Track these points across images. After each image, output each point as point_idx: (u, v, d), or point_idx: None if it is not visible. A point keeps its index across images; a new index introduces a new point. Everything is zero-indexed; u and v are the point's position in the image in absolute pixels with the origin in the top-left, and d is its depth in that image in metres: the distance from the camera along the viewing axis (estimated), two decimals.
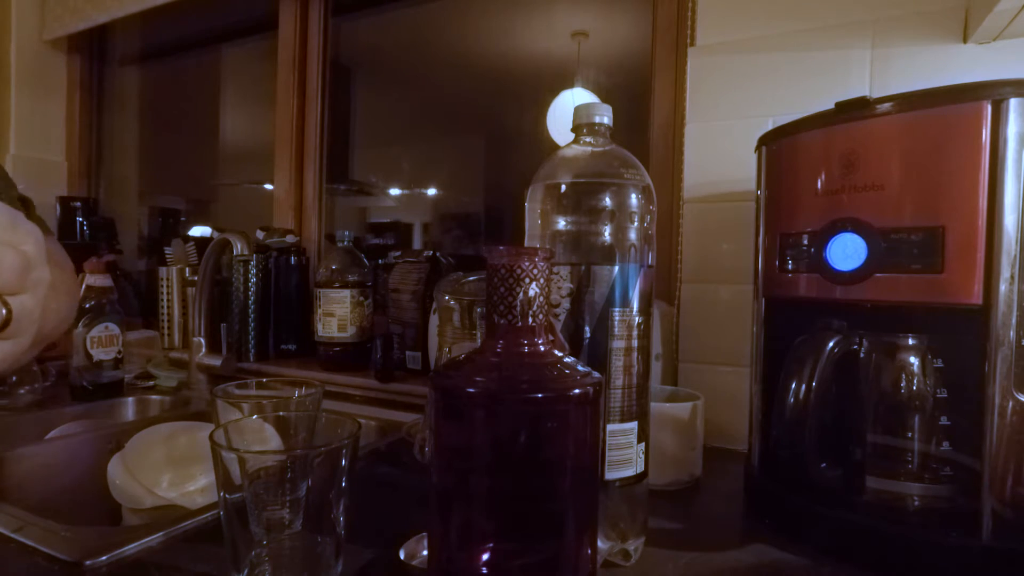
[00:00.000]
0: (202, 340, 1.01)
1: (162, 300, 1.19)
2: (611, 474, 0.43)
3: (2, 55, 1.44)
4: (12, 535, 0.46)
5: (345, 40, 1.36)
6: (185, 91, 1.70)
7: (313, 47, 1.29)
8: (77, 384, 0.91)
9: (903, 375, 0.47)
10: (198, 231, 1.62)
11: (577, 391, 0.32)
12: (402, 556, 0.43)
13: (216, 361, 0.99)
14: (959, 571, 0.42)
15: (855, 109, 0.46)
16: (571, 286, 0.42)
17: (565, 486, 0.32)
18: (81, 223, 1.46)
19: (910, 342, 0.47)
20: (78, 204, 1.46)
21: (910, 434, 0.47)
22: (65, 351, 0.95)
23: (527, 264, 0.32)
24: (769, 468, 0.55)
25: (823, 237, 0.47)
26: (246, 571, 0.37)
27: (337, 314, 1.01)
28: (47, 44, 1.50)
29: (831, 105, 0.48)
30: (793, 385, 0.46)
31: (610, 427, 0.42)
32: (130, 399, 0.97)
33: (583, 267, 0.42)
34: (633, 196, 0.43)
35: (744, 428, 0.60)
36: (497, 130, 1.37)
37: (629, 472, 0.43)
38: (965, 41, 0.65)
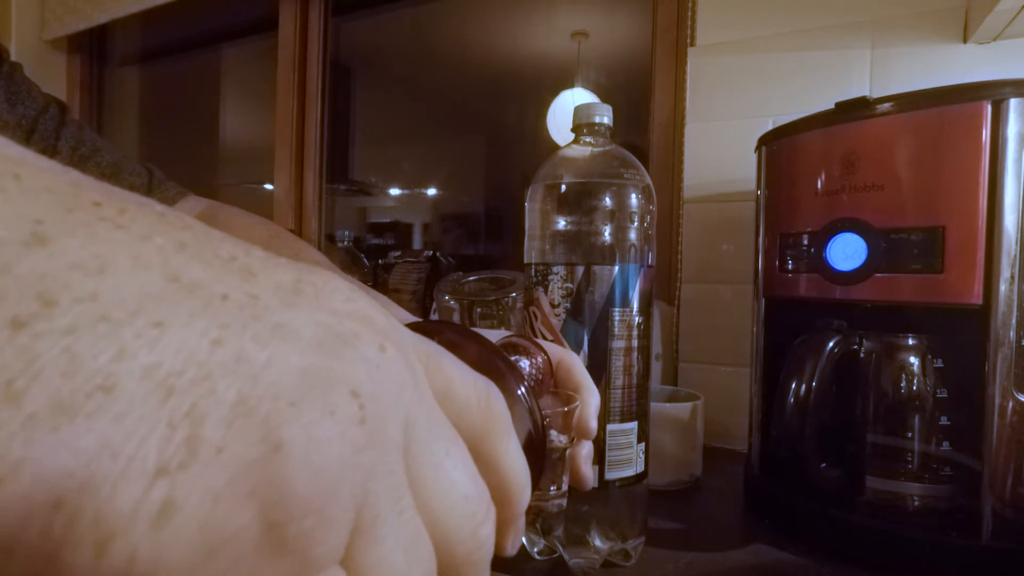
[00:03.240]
0: None
1: None
2: (611, 474, 0.43)
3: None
4: None
5: (345, 40, 1.36)
6: (185, 91, 1.70)
7: (313, 47, 1.29)
8: None
9: (903, 375, 0.47)
10: None
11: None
12: None
13: None
14: (959, 571, 0.42)
15: (855, 109, 0.46)
16: (571, 286, 0.42)
17: None
18: None
19: (910, 342, 0.47)
20: None
21: (910, 434, 0.47)
22: None
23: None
24: (769, 468, 0.55)
25: (823, 237, 0.47)
26: None
27: None
28: (47, 44, 1.50)
29: (831, 105, 0.48)
30: (793, 385, 0.46)
31: (610, 427, 0.42)
32: None
33: (583, 267, 0.42)
34: (633, 196, 0.43)
35: (744, 428, 0.60)
36: (497, 130, 1.37)
37: (629, 472, 0.43)
38: (965, 41, 0.65)
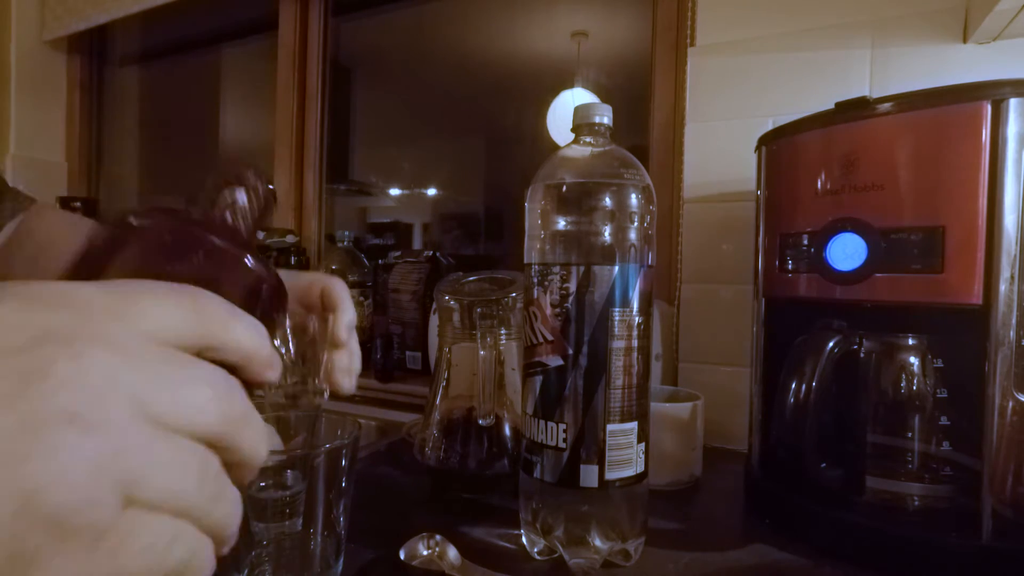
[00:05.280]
0: None
1: None
2: (611, 474, 0.43)
3: (2, 55, 1.44)
4: None
5: (345, 40, 1.36)
6: (185, 91, 1.70)
7: (313, 47, 1.29)
8: None
9: (903, 375, 0.47)
10: None
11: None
12: (402, 556, 0.43)
13: None
14: (959, 571, 0.42)
15: (855, 109, 0.46)
16: (571, 286, 0.42)
17: None
18: None
19: (910, 342, 0.47)
20: (79, 204, 1.46)
21: (910, 434, 0.47)
22: None
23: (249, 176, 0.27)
24: (769, 468, 0.55)
25: (823, 237, 0.47)
26: (246, 571, 0.37)
27: None
28: (47, 44, 1.50)
29: (831, 105, 0.48)
30: (793, 385, 0.46)
31: (610, 427, 0.42)
32: None
33: (583, 267, 0.42)
34: (633, 196, 0.43)
35: (744, 428, 0.60)
36: (497, 130, 1.37)
37: (629, 472, 0.43)
38: (965, 41, 0.65)
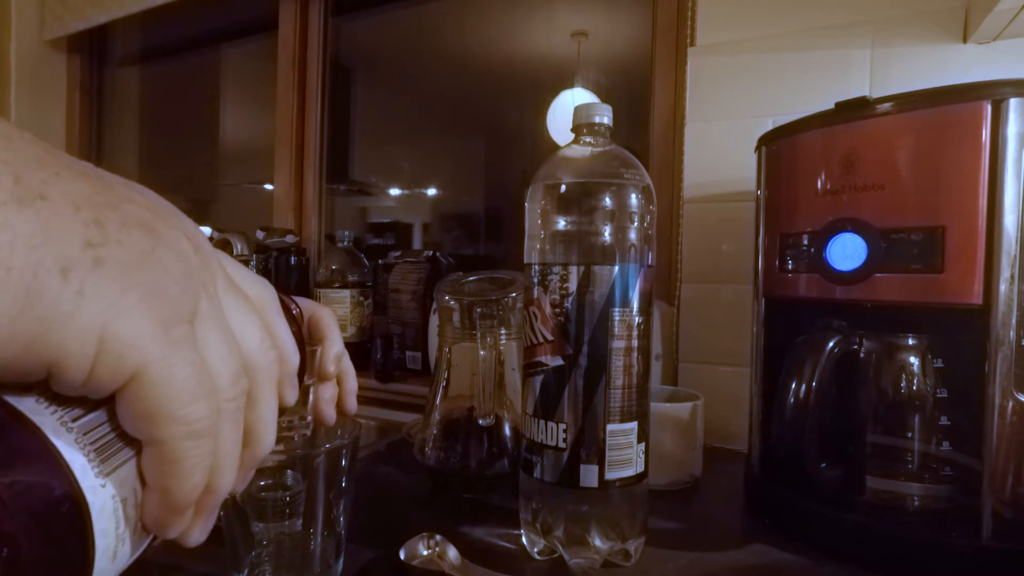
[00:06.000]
0: None
1: None
2: (611, 474, 0.43)
3: (2, 55, 1.44)
4: None
5: (345, 40, 1.36)
6: (185, 91, 1.70)
7: (313, 47, 1.29)
8: None
9: (903, 375, 0.47)
10: None
11: None
12: (402, 556, 0.43)
13: None
14: (959, 571, 0.42)
15: (855, 109, 0.46)
16: (571, 286, 0.42)
17: None
18: None
19: (910, 342, 0.47)
20: None
21: (910, 434, 0.47)
22: None
23: None
24: (769, 468, 0.55)
25: (823, 237, 0.47)
26: (246, 571, 0.37)
27: (337, 314, 1.01)
28: (47, 44, 1.50)
29: (831, 105, 0.48)
30: (793, 385, 0.46)
31: (610, 427, 0.42)
32: None
33: (583, 267, 0.42)
34: (633, 196, 0.43)
35: (744, 428, 0.60)
36: (497, 130, 1.37)
37: (629, 472, 0.43)
38: (965, 41, 0.65)
